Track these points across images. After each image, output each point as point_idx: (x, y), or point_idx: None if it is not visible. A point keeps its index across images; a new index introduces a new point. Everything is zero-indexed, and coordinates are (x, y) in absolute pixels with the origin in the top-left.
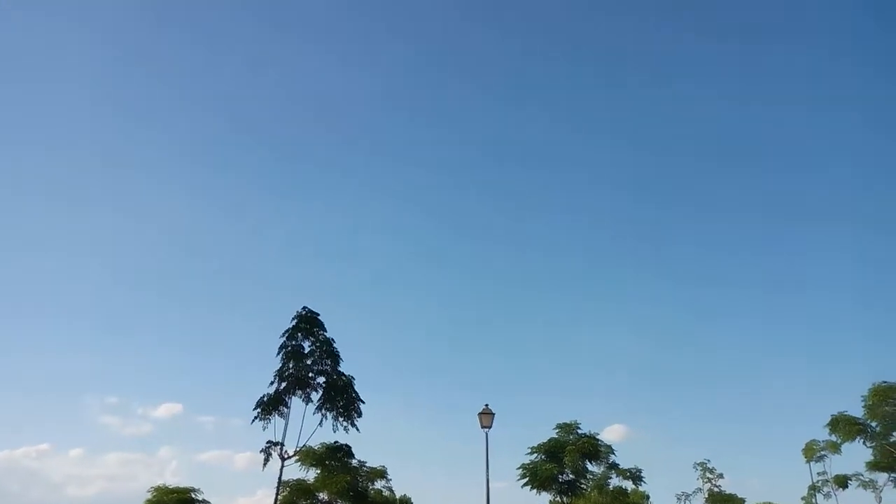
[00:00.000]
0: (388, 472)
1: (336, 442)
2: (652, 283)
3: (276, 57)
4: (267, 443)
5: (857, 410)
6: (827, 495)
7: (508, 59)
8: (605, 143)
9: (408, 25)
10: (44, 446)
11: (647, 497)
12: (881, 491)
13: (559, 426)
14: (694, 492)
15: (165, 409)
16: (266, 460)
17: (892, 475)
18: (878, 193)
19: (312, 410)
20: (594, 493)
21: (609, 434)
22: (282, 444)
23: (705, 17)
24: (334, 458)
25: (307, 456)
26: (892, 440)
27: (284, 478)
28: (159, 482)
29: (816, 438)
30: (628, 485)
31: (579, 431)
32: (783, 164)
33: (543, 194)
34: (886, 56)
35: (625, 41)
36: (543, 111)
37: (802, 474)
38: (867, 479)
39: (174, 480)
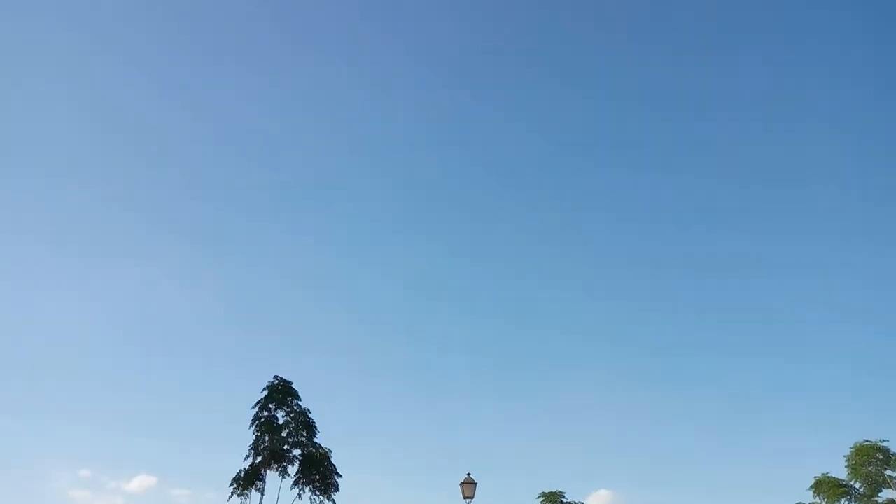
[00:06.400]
0: None
1: None
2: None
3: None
4: None
5: (841, 472)
6: None
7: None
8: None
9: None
10: None
11: None
12: None
13: (544, 495)
14: None
15: (138, 483)
16: None
17: None
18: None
19: (289, 485)
20: None
21: (595, 501)
22: None
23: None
24: None
25: None
26: (877, 501)
27: None
28: None
29: (802, 501)
30: None
31: (564, 500)
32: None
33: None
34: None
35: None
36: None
37: None
38: None
39: None
